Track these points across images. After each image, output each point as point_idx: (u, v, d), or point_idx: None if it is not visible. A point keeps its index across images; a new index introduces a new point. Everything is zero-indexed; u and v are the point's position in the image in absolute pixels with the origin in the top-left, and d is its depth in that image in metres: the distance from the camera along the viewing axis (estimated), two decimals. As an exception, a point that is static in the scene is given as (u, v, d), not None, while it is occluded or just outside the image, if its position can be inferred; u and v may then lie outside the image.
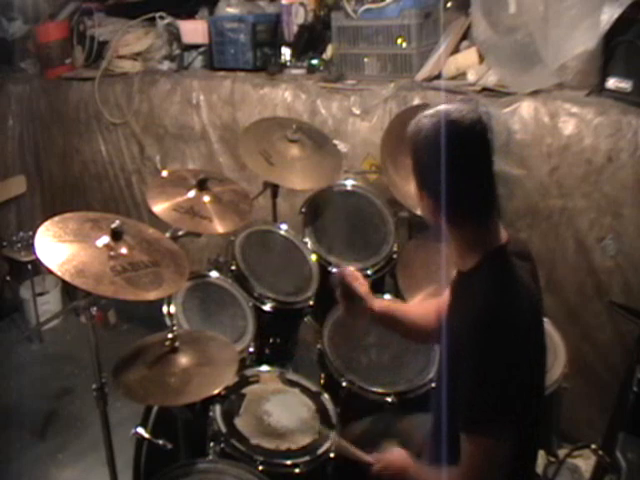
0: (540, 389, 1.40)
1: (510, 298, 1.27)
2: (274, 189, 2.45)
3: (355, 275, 1.63)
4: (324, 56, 2.91)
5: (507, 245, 1.34)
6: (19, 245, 3.47)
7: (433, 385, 1.84)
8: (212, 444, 1.66)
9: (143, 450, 1.84)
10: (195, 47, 3.25)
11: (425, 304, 1.73)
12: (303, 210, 2.43)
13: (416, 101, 2.47)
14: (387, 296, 2.25)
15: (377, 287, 2.37)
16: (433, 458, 1.45)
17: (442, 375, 1.42)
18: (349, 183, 2.49)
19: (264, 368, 1.93)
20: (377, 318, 1.66)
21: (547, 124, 2.24)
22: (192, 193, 1.97)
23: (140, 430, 1.71)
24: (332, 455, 1.65)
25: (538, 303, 1.37)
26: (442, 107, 1.29)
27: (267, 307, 2.15)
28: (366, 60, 2.72)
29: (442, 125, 1.26)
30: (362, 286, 1.62)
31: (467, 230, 1.33)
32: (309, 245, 2.36)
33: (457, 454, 1.32)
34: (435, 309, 1.63)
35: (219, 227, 1.93)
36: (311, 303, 2.23)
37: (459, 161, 1.26)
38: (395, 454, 1.52)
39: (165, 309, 1.91)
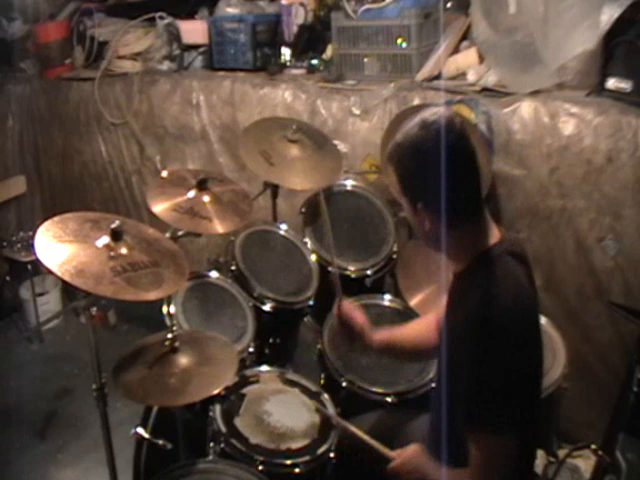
0: (538, 387, 1.40)
1: (504, 296, 1.27)
2: (274, 189, 2.45)
3: (353, 309, 1.72)
4: (324, 56, 2.91)
5: (500, 244, 1.35)
6: (19, 245, 3.46)
7: (433, 385, 1.84)
8: (212, 444, 1.66)
9: (143, 450, 1.84)
10: (195, 47, 3.24)
11: (425, 319, 1.75)
12: (303, 210, 2.43)
13: (416, 101, 2.47)
14: (387, 296, 2.26)
15: (377, 287, 2.38)
16: (432, 458, 1.45)
17: (442, 375, 1.43)
18: (349, 183, 2.49)
19: (264, 368, 1.93)
20: (377, 350, 1.73)
21: (547, 124, 2.24)
22: (192, 193, 1.96)
23: (140, 430, 1.71)
24: (332, 455, 1.65)
25: (532, 300, 1.37)
26: (416, 117, 1.33)
27: (267, 307, 2.15)
28: (366, 60, 2.72)
29: (424, 131, 1.30)
30: (361, 319, 1.70)
31: (459, 232, 1.34)
32: (309, 245, 2.36)
33: (456, 454, 1.32)
34: (436, 320, 1.64)
35: (219, 227, 1.93)
36: (311, 303, 2.23)
37: (445, 164, 1.27)
38: (413, 451, 1.49)
39: (165, 309, 1.91)
